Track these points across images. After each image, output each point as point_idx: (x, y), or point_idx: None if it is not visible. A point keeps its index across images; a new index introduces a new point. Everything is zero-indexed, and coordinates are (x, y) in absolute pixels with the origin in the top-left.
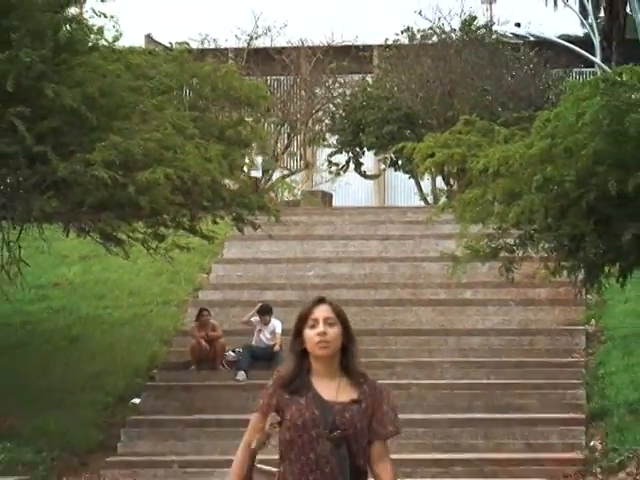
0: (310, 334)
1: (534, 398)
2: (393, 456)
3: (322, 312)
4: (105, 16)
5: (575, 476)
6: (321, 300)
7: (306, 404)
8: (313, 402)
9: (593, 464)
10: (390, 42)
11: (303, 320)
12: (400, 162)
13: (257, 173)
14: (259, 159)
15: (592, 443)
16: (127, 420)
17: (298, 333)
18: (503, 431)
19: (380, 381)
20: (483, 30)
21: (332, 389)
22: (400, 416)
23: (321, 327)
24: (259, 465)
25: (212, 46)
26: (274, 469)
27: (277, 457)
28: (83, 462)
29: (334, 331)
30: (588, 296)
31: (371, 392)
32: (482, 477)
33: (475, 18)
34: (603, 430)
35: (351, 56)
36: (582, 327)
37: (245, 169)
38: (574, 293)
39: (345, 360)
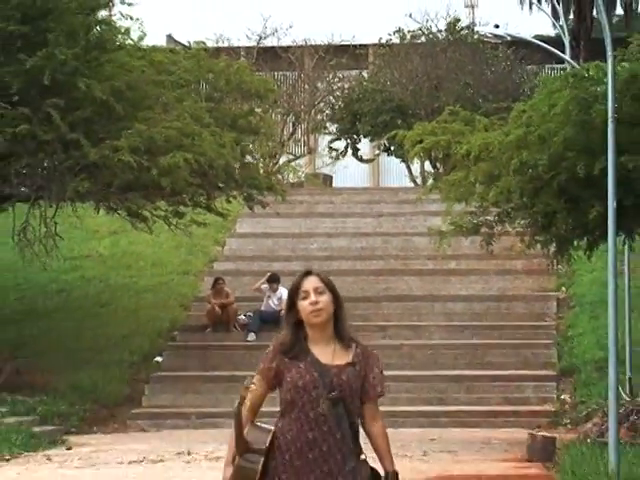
0: (303, 304)
1: (511, 357)
2: (386, 409)
3: (311, 283)
4: (131, 18)
5: (547, 426)
6: (308, 272)
7: (305, 368)
8: (312, 366)
9: (563, 416)
10: (384, 41)
11: (294, 293)
12: (392, 148)
13: None
14: None
15: (562, 397)
16: (150, 376)
17: (292, 306)
18: (484, 386)
19: (374, 342)
20: (466, 31)
21: (328, 353)
22: (392, 373)
23: (312, 297)
24: (257, 422)
25: (226, 45)
26: (271, 427)
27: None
28: (111, 413)
29: (325, 299)
30: (559, 267)
31: (363, 355)
32: (465, 427)
33: (459, 20)
34: (572, 385)
35: (349, 54)
36: (553, 294)
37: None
38: (546, 264)
39: (337, 326)
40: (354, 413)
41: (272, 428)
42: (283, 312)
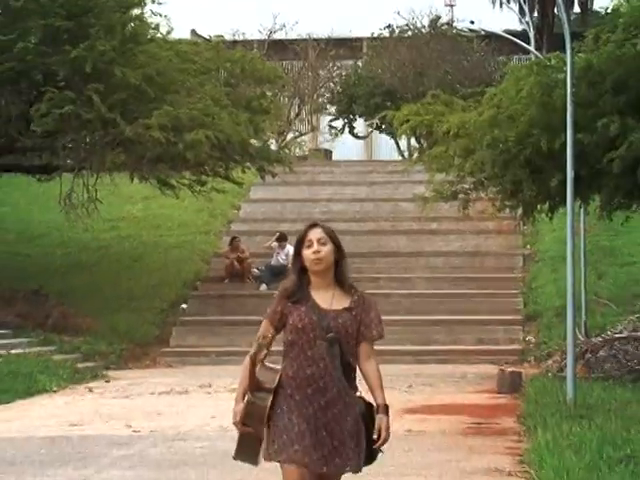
0: (307, 253)
1: (484, 304)
2: (378, 348)
3: (315, 234)
4: (160, 15)
5: (514, 363)
6: (314, 224)
7: (306, 311)
8: (312, 310)
9: (528, 354)
10: (376, 35)
11: (301, 242)
12: (383, 126)
13: None
14: None
15: (527, 338)
16: (177, 320)
17: (297, 254)
18: (461, 329)
19: (367, 291)
20: (446, 26)
21: (327, 299)
22: (382, 317)
23: (315, 246)
24: (266, 363)
25: (241, 38)
26: (278, 366)
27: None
28: (144, 352)
29: (326, 249)
30: (525, 227)
31: (360, 301)
32: (445, 364)
33: (439, 17)
34: (536, 328)
35: (346, 46)
36: (520, 251)
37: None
38: (514, 225)
39: (338, 274)
40: (349, 353)
41: (280, 368)
42: (290, 266)
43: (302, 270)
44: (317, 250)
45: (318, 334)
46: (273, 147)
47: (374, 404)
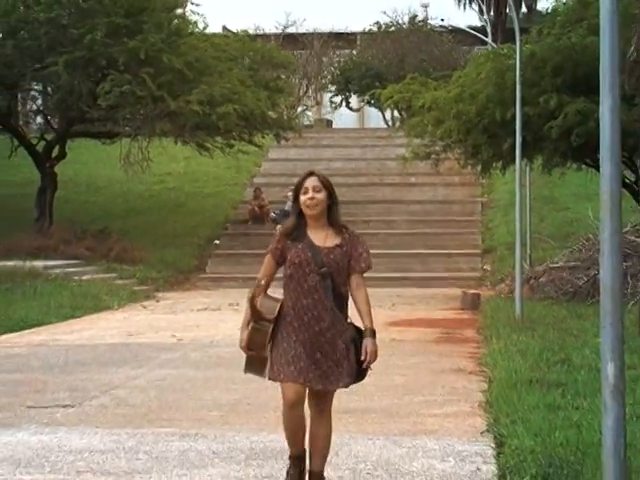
0: (303, 198)
1: (451, 241)
2: (367, 276)
3: (311, 182)
4: (198, 14)
5: (474, 286)
6: (311, 173)
7: (302, 248)
8: (307, 247)
9: (485, 279)
10: (367, 30)
11: (298, 188)
12: (372, 101)
13: None
14: None
15: (484, 267)
16: (212, 253)
17: (296, 198)
18: (432, 260)
19: (359, 231)
20: (421, 23)
21: (321, 237)
22: (372, 251)
23: (310, 193)
24: (269, 293)
25: (261, 32)
26: (280, 296)
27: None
28: (185, 278)
29: (320, 196)
30: (483, 181)
31: (350, 239)
32: (420, 287)
33: (417, 16)
34: (491, 259)
35: (343, 39)
36: (479, 199)
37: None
38: (474, 179)
39: (331, 216)
40: (341, 284)
41: (281, 298)
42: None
43: (300, 213)
44: (312, 197)
45: (312, 268)
46: (286, 118)
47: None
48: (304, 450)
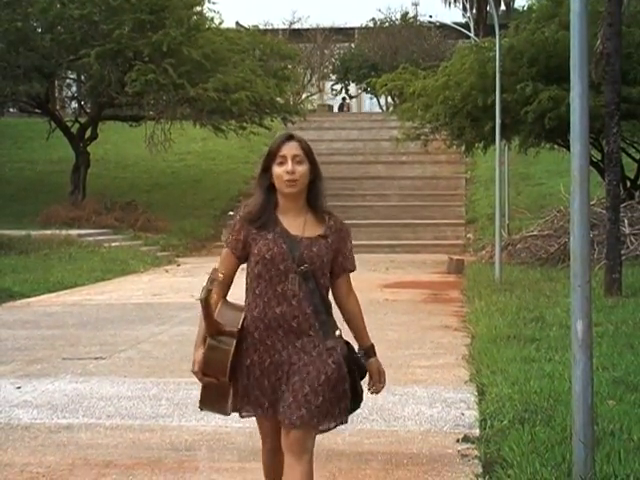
0: (278, 171)
1: (438, 212)
2: (364, 242)
3: (291, 149)
4: (214, 11)
5: (459, 253)
6: (290, 137)
7: (274, 239)
8: (280, 237)
9: (468, 247)
10: (363, 26)
11: (272, 156)
12: (369, 89)
13: None
14: None
15: (468, 236)
16: (226, 223)
17: (267, 169)
18: (421, 229)
19: (358, 203)
20: (412, 19)
21: (299, 225)
22: (365, 221)
23: (289, 165)
24: (229, 299)
25: (270, 27)
26: (242, 304)
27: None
28: (202, 245)
29: (302, 169)
30: (467, 159)
31: (336, 228)
32: (410, 253)
33: (408, 13)
34: (474, 229)
35: (343, 33)
36: (463, 175)
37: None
38: (459, 157)
39: (311, 197)
40: (324, 287)
41: (243, 305)
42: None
43: (269, 190)
44: (292, 170)
45: (290, 266)
46: (292, 103)
47: (353, 345)
48: None
